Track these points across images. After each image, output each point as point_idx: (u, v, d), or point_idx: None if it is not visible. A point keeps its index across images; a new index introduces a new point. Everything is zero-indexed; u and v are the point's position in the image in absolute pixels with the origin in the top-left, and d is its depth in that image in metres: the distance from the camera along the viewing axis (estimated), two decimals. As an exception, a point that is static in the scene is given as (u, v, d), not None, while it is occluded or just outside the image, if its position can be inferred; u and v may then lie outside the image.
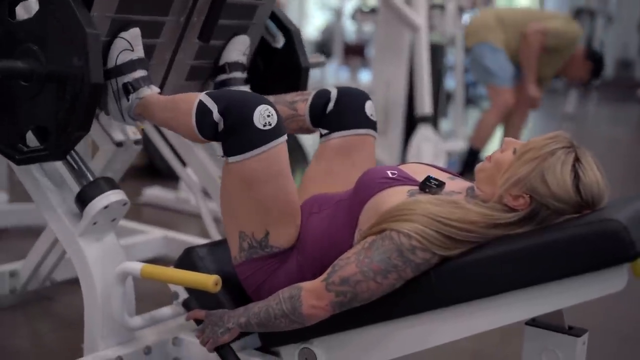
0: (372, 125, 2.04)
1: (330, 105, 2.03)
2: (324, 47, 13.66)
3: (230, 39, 2.32)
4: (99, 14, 1.89)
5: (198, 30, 2.18)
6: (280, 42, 2.47)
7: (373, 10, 5.88)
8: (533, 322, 1.69)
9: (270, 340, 1.90)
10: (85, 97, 1.77)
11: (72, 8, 1.76)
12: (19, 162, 1.91)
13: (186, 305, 1.94)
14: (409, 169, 1.80)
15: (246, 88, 2.34)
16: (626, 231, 1.42)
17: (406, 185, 1.72)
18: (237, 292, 1.94)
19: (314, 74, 10.69)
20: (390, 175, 1.74)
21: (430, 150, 4.43)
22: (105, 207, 1.94)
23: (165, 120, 1.93)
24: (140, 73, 1.99)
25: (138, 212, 4.03)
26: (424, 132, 4.56)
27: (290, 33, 2.42)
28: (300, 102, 2.08)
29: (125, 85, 1.98)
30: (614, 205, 1.60)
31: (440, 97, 5.67)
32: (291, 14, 12.87)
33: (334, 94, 2.04)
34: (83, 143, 2.75)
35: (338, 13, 11.70)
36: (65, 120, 1.81)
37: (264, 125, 1.75)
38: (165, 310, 2.04)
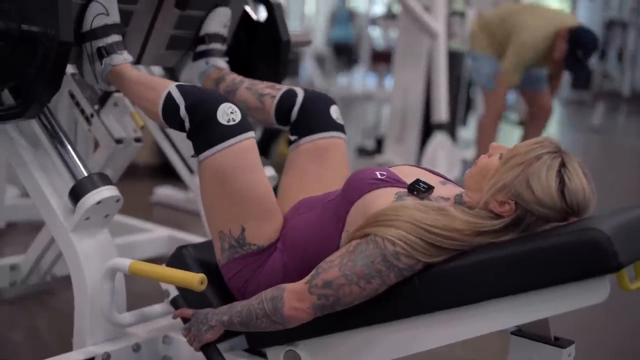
0: (339, 128, 2.07)
1: (295, 109, 2.07)
2: (352, 52, 13.66)
3: (212, 10, 2.32)
4: None
5: None
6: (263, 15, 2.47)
7: (394, 16, 5.85)
8: (519, 332, 1.67)
9: (256, 342, 1.89)
10: (54, 55, 1.80)
11: None
12: None
13: (174, 303, 1.94)
14: (400, 172, 1.79)
15: (224, 60, 2.35)
16: (609, 242, 1.39)
17: (394, 187, 1.70)
18: (226, 291, 1.93)
19: (341, 81, 10.70)
20: (379, 176, 1.72)
21: (445, 158, 4.40)
22: (98, 202, 1.95)
23: (133, 98, 2.00)
24: (114, 38, 2.03)
25: (149, 210, 4.05)
26: (439, 139, 4.53)
27: (272, 6, 2.42)
28: (269, 97, 2.12)
29: (99, 49, 2.02)
30: (602, 215, 1.57)
31: (459, 105, 5.63)
32: (320, 18, 12.89)
33: (299, 98, 2.08)
34: (85, 139, 2.80)
35: (366, 19, 11.71)
36: (36, 78, 1.84)
37: (228, 121, 1.80)
38: (156, 308, 2.05)
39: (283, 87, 2.13)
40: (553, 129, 10.18)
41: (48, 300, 2.65)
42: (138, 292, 2.41)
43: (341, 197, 1.76)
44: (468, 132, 6.84)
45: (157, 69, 2.61)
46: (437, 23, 4.62)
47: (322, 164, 2.03)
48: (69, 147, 2.03)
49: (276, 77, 2.40)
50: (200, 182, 1.87)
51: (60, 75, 1.86)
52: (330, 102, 2.09)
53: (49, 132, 2.03)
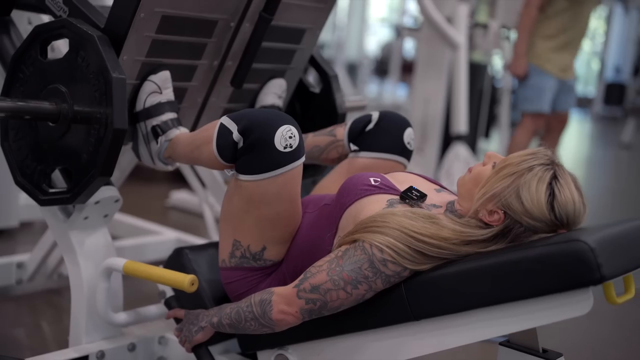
0: (406, 153, 2.01)
1: (370, 126, 2.01)
2: (383, 64, 13.67)
3: (267, 82, 2.30)
4: (128, 58, 1.89)
5: (232, 74, 2.16)
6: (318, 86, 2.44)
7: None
8: (507, 343, 1.65)
9: (247, 345, 1.90)
10: (108, 141, 1.76)
11: (100, 51, 1.76)
12: (41, 203, 1.91)
13: (168, 304, 1.96)
14: (395, 179, 1.78)
15: None
16: (592, 253, 1.37)
17: (387, 194, 1.69)
18: (222, 294, 1.94)
19: (371, 90, 10.71)
20: (373, 182, 1.72)
21: (461, 169, 4.37)
22: (97, 202, 1.97)
23: (189, 153, 1.89)
24: (168, 115, 1.97)
25: (164, 214, 4.09)
26: (457, 150, 4.51)
27: (328, 78, 2.38)
28: (339, 128, 2.07)
29: (154, 128, 1.97)
30: (592, 227, 1.55)
31: (481, 117, 5.60)
32: (353, 30, 12.92)
33: (375, 116, 2.01)
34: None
35: (398, 30, 11.71)
36: (88, 163, 1.80)
37: (285, 148, 1.69)
38: (152, 309, 2.06)
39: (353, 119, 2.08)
40: (581, 145, 10.09)
41: (53, 299, 2.68)
42: (144, 292, 2.44)
43: (335, 202, 1.76)
44: (491, 144, 6.80)
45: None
46: (459, 34, 4.60)
47: None
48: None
49: None
50: (230, 193, 1.80)
51: (114, 162, 1.80)
52: (407, 124, 2.02)
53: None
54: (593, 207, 5.13)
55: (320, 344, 1.77)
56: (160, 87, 1.97)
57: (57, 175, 1.95)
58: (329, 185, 2.05)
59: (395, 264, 1.56)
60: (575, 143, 9.94)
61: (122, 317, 1.99)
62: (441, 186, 1.83)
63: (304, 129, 2.31)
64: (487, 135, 6.08)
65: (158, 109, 1.97)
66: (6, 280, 2.62)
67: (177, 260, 2.01)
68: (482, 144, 6.17)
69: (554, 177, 1.54)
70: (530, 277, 1.44)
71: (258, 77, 2.28)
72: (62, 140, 1.84)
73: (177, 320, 1.91)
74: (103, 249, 2.03)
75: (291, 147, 1.70)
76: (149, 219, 3.42)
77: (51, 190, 1.90)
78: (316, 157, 2.12)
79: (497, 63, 7.17)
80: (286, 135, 1.69)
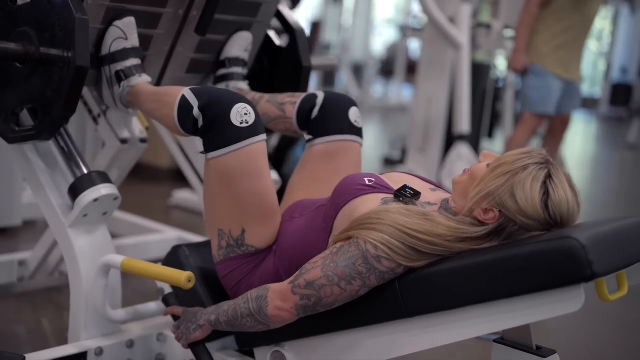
0: (355, 131, 2.05)
1: (315, 111, 2.05)
2: (389, 64, 13.67)
3: (233, 34, 2.35)
4: (93, 2, 1.96)
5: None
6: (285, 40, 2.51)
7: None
8: (501, 340, 1.66)
9: (244, 342, 1.91)
10: (70, 79, 1.83)
11: None
12: (10, 141, 1.98)
13: (165, 301, 1.97)
14: (390, 178, 1.80)
15: (245, 84, 2.37)
16: (584, 250, 1.38)
17: (381, 193, 1.71)
18: (219, 291, 1.96)
19: (377, 90, 10.73)
20: (367, 182, 1.73)
21: (463, 169, 4.37)
22: (96, 200, 1.99)
23: (151, 110, 2.00)
24: (133, 61, 2.06)
25: (167, 213, 4.10)
26: (459, 150, 4.52)
27: (294, 32, 2.44)
28: (289, 104, 2.11)
29: (117, 72, 2.05)
30: (585, 224, 1.56)
31: (484, 117, 5.60)
32: (358, 30, 12.93)
33: (319, 99, 2.06)
34: (94, 139, 2.84)
35: (403, 30, 11.72)
36: (52, 101, 1.87)
37: (241, 123, 1.78)
38: (151, 306, 2.08)
39: (303, 94, 2.13)
40: (587, 145, 10.08)
41: (54, 296, 2.70)
42: (143, 289, 2.45)
43: (330, 202, 1.78)
44: (494, 145, 6.79)
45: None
46: (462, 35, 4.61)
47: (332, 167, 2.03)
48: (71, 144, 2.07)
49: None
50: (204, 179, 1.88)
51: (76, 99, 1.88)
52: (351, 103, 2.07)
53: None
54: (597, 208, 5.14)
55: (316, 341, 1.78)
56: (125, 33, 2.05)
57: (25, 115, 2.00)
58: (299, 179, 2.08)
59: (390, 260, 1.57)
60: (580, 143, 9.93)
61: (120, 314, 2.01)
62: (436, 185, 1.85)
63: (271, 82, 2.45)
64: (490, 135, 6.08)
65: (123, 54, 2.06)
66: (8, 277, 2.63)
67: (175, 257, 2.03)
68: (485, 144, 6.16)
69: (549, 176, 1.55)
70: (523, 274, 1.45)
71: (224, 29, 2.32)
72: (29, 81, 1.90)
73: (175, 317, 1.93)
74: (102, 247, 2.04)
75: (247, 123, 1.78)
76: (152, 218, 3.44)
77: (18, 129, 1.96)
78: (264, 123, 2.16)
79: (501, 63, 7.17)
80: (242, 112, 1.79)
